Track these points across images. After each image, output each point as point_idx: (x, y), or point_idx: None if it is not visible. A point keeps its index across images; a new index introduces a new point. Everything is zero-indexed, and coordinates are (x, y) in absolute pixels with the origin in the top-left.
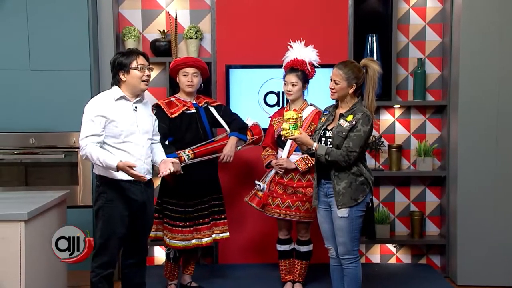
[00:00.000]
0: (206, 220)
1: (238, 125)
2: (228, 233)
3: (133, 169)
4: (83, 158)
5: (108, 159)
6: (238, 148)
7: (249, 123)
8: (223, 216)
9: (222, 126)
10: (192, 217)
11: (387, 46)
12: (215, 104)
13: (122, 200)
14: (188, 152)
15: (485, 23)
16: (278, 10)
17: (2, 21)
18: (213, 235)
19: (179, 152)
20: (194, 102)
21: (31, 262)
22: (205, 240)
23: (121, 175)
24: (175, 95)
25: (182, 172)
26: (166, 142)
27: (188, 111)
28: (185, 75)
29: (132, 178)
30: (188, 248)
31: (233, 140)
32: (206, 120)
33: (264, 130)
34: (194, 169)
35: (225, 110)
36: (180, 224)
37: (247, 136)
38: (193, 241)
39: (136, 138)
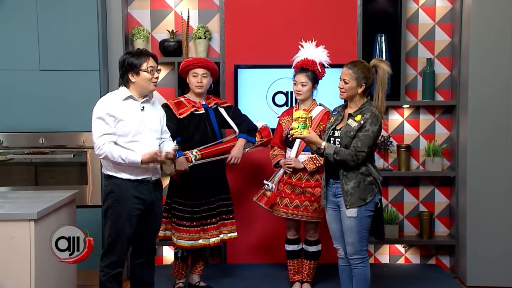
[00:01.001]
0: (213, 220)
1: (247, 127)
2: (236, 233)
3: (158, 153)
4: (101, 157)
5: (130, 155)
6: (246, 150)
7: (259, 125)
8: (231, 216)
9: (231, 127)
10: (199, 217)
11: (396, 46)
12: (225, 105)
13: (130, 200)
14: (196, 152)
15: (495, 22)
16: (287, 10)
17: (12, 22)
18: (221, 235)
19: (186, 152)
20: (204, 103)
21: (40, 261)
22: (212, 240)
23: (129, 175)
24: (185, 95)
25: (188, 170)
26: (174, 142)
27: (197, 112)
28: (194, 76)
29: (140, 178)
30: (195, 248)
31: (241, 142)
32: (215, 121)
33: (273, 130)
34: (201, 169)
35: (234, 111)
36: (187, 224)
37: (256, 138)
38: (200, 241)
39: (144, 138)
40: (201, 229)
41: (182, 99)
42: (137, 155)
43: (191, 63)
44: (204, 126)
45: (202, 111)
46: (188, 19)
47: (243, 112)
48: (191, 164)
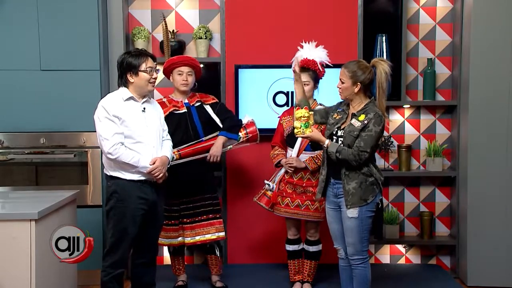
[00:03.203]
0: (189, 220)
1: (229, 124)
2: (222, 233)
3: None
4: (113, 157)
5: (142, 160)
6: (229, 147)
7: (245, 120)
8: (211, 216)
9: (217, 125)
10: (177, 216)
11: (396, 46)
12: (210, 102)
13: (134, 200)
14: (174, 153)
15: (495, 22)
16: (288, 10)
17: (13, 22)
18: (197, 237)
19: None
20: (186, 101)
21: (41, 261)
22: (188, 239)
23: (132, 175)
24: (169, 95)
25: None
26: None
27: (177, 111)
28: (180, 74)
29: (143, 178)
30: (174, 246)
31: (220, 139)
32: (198, 120)
33: (273, 130)
34: (180, 169)
35: (220, 107)
36: (164, 222)
37: (239, 135)
38: (179, 239)
39: (147, 139)
40: (180, 227)
41: (164, 99)
42: (147, 162)
43: (176, 61)
44: (186, 125)
45: (184, 110)
46: (165, 20)
47: (229, 110)
48: (168, 165)
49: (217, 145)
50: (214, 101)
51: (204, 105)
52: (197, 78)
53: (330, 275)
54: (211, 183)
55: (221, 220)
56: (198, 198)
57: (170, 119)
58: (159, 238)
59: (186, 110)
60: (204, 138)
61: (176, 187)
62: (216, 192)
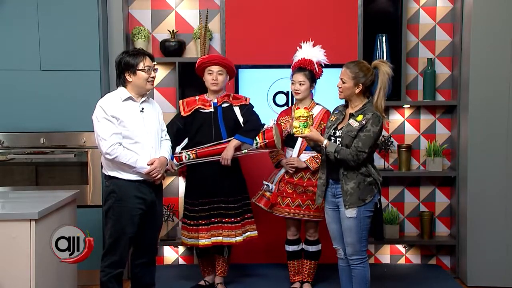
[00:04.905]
0: (204, 221)
1: (246, 127)
2: (237, 238)
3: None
4: (110, 157)
5: (140, 161)
6: (244, 151)
7: (268, 125)
8: (235, 220)
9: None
10: (196, 217)
11: (396, 46)
12: (239, 103)
13: (132, 200)
14: (190, 152)
15: (495, 22)
16: (288, 10)
17: (13, 22)
18: (212, 238)
19: (181, 151)
20: (215, 101)
21: (41, 261)
22: (202, 241)
23: (131, 175)
24: (203, 94)
25: (174, 170)
26: (186, 141)
27: (203, 110)
28: (210, 73)
29: (141, 178)
30: (195, 246)
31: (232, 143)
32: (222, 121)
33: None
34: (198, 169)
35: (247, 110)
36: (187, 222)
37: (256, 139)
38: (200, 240)
39: (145, 139)
40: (200, 228)
41: (196, 97)
42: (145, 163)
43: (206, 60)
44: (209, 125)
45: (210, 109)
46: (207, 18)
47: (254, 113)
48: (182, 164)
49: (228, 149)
50: (243, 103)
51: (234, 107)
52: (231, 77)
53: (330, 275)
54: (230, 186)
55: (239, 224)
56: (216, 200)
57: (196, 117)
58: (183, 238)
59: (212, 110)
60: (223, 141)
61: (193, 187)
62: (238, 195)
